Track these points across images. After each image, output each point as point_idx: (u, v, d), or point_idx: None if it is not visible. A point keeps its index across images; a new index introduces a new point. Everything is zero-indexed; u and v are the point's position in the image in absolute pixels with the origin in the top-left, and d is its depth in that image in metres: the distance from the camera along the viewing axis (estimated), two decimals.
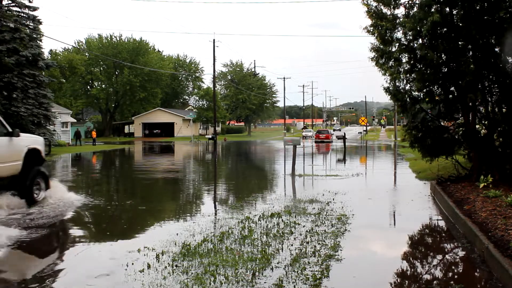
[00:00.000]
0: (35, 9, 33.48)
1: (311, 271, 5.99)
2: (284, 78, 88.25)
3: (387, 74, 13.31)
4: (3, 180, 10.03)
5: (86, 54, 70.73)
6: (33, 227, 8.66)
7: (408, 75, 13.16)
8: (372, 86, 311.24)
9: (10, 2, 32.61)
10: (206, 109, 68.16)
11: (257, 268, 6.09)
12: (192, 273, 5.89)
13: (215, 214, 10.71)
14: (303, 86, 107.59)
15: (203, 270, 5.96)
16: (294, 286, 5.47)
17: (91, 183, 17.66)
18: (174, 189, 16.17)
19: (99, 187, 16.40)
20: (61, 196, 11.54)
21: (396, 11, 12.94)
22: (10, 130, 10.37)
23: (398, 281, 5.88)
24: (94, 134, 50.89)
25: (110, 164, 29.09)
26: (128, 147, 46.26)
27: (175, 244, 7.35)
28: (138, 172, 21.84)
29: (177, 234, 8.04)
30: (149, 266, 6.20)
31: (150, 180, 18.67)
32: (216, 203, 12.61)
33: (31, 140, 11.35)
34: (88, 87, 74.03)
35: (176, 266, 6.21)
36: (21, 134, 10.80)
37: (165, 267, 6.18)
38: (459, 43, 12.03)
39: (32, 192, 10.64)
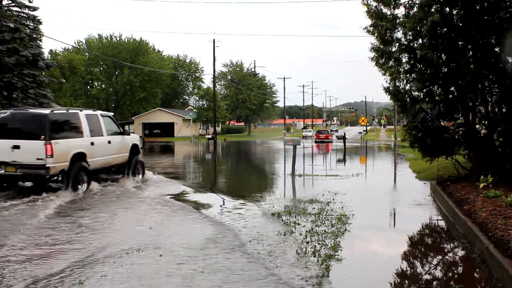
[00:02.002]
0: (35, 9, 33.50)
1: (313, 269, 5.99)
2: (284, 78, 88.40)
3: (387, 74, 13.30)
4: (118, 166, 14.59)
5: (86, 54, 70.77)
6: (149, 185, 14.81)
7: (408, 75, 13.16)
8: (372, 86, 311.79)
9: (10, 2, 32.63)
10: (206, 109, 68.17)
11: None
12: None
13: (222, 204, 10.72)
14: (303, 86, 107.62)
15: None
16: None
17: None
18: None
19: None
20: (150, 176, 16.24)
21: (396, 11, 12.94)
22: (122, 130, 15.01)
23: (398, 281, 5.87)
24: None
25: None
26: None
27: None
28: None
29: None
30: None
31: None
32: (216, 203, 12.59)
33: (133, 138, 15.77)
34: (88, 87, 74.08)
35: None
36: (127, 133, 15.33)
37: None
38: (459, 43, 12.03)
39: (136, 174, 15.08)
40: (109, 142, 13.81)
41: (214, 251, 6.97)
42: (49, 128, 11.47)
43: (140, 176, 15.34)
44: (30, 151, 11.35)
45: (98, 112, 14.23)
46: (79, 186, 12.13)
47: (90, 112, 13.73)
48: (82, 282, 5.59)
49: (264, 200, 11.99)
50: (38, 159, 11.28)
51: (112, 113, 16.52)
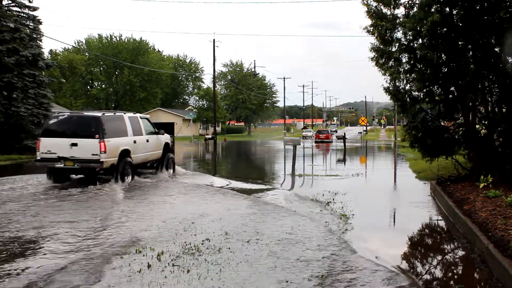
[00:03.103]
0: (35, 9, 33.44)
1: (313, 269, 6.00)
2: (284, 78, 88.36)
3: (387, 74, 13.31)
4: (153, 161, 16.39)
5: (86, 54, 70.75)
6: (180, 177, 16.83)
7: (408, 75, 13.16)
8: (372, 86, 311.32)
9: (10, 2, 32.59)
10: (206, 109, 68.18)
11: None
12: None
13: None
14: (303, 86, 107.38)
15: None
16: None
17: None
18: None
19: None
20: (179, 170, 18.20)
21: (396, 11, 12.95)
22: (157, 130, 16.58)
23: (398, 281, 5.87)
24: None
25: None
26: None
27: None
28: None
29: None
30: None
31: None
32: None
33: (166, 137, 17.27)
34: (88, 87, 74.06)
35: None
36: (161, 133, 16.80)
37: None
38: (459, 43, 12.03)
39: (168, 169, 16.97)
40: (147, 140, 15.73)
41: (255, 209, 10.41)
42: (102, 128, 13.31)
43: (171, 170, 17.24)
44: (86, 148, 13.22)
45: (138, 115, 16.30)
46: (126, 178, 14.04)
47: (131, 114, 15.71)
48: (193, 222, 8.75)
49: (264, 199, 11.98)
50: (93, 154, 13.17)
51: (149, 116, 18.38)
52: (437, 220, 9.87)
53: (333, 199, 11.77)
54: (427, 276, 6.10)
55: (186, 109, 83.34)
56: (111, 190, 12.72)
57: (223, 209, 10.22)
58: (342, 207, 10.65)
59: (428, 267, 6.50)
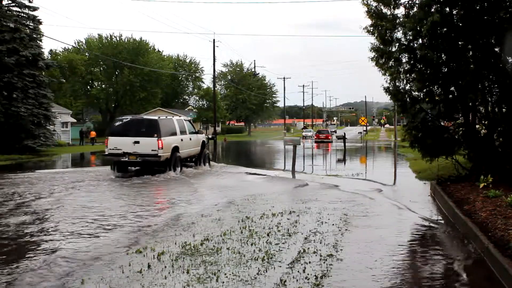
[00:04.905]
0: (35, 9, 33.41)
1: (313, 270, 6.02)
2: (284, 78, 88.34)
3: (387, 74, 13.32)
4: (192, 156, 19.43)
5: (86, 54, 70.63)
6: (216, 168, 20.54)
7: (408, 75, 13.17)
8: (372, 86, 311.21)
9: (10, 2, 32.57)
10: (206, 109, 68.11)
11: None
12: None
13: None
14: (303, 86, 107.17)
15: None
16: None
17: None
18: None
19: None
20: (213, 164, 21.45)
21: (396, 11, 12.97)
22: (197, 130, 20.21)
23: (398, 280, 5.88)
24: (92, 134, 50.31)
25: None
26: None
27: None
28: None
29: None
30: None
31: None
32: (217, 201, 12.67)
33: (202, 136, 20.79)
34: (88, 87, 73.89)
35: None
36: (200, 132, 21.27)
37: None
38: (459, 43, 12.04)
39: (205, 163, 20.19)
40: (190, 139, 18.78)
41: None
42: (159, 129, 16.36)
43: (207, 164, 20.32)
44: (147, 145, 16.24)
45: (183, 118, 20.05)
46: (177, 169, 17.14)
47: (178, 117, 19.67)
48: (265, 200, 11.74)
49: (264, 199, 12.00)
50: (152, 150, 16.19)
51: (190, 118, 22.67)
52: (437, 220, 9.86)
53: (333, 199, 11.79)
54: (427, 276, 6.10)
55: (186, 109, 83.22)
56: (175, 177, 16.30)
57: (256, 181, 16.46)
58: (342, 207, 10.64)
59: (428, 267, 6.49)
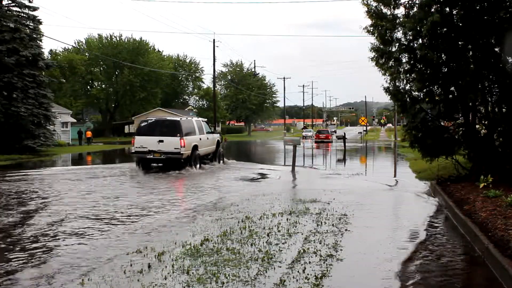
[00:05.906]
0: (35, 9, 33.40)
1: (313, 270, 6.01)
2: (284, 78, 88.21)
3: (387, 74, 13.32)
4: (210, 154, 21.06)
5: (86, 54, 70.61)
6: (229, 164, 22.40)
7: (408, 75, 13.17)
8: (372, 86, 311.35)
9: (10, 2, 32.57)
10: (206, 109, 68.20)
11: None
12: None
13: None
14: (303, 86, 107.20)
15: None
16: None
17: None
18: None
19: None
20: (227, 161, 23.05)
21: (396, 11, 12.98)
22: (212, 130, 22.78)
23: (398, 280, 5.88)
24: (88, 134, 49.89)
25: None
26: (128, 147, 46.14)
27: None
28: None
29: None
30: None
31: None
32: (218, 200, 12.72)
33: (217, 135, 22.83)
34: (88, 87, 73.82)
35: None
36: (216, 132, 23.89)
37: None
38: (459, 43, 12.04)
39: (220, 160, 21.81)
40: (207, 138, 20.49)
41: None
42: (181, 129, 18.01)
43: (222, 161, 21.94)
44: (170, 143, 17.87)
45: (200, 119, 21.73)
46: (197, 165, 18.73)
47: (196, 118, 21.57)
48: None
49: (264, 199, 11.99)
50: (175, 148, 17.86)
51: (206, 119, 24.34)
52: (437, 220, 9.85)
53: (334, 199, 11.79)
54: (427, 276, 6.10)
55: (186, 109, 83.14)
56: (195, 172, 18.17)
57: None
58: (343, 207, 10.65)
59: (428, 267, 6.49)
